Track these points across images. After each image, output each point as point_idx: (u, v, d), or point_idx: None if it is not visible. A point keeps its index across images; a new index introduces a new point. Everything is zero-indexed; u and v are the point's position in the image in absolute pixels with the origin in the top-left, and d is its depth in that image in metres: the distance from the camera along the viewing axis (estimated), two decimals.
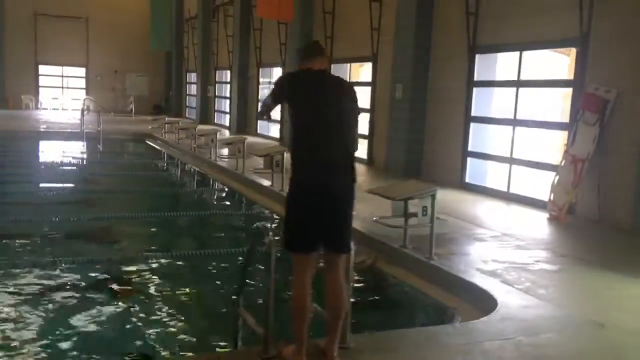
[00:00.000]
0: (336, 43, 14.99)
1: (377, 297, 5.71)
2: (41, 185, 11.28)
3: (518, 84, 9.66)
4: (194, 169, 13.57)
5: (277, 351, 3.50)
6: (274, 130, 18.77)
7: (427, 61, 11.37)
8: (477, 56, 10.35)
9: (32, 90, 30.01)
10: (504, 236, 7.04)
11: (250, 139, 13.79)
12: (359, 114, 3.62)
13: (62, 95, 30.95)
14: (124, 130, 20.16)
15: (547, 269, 5.78)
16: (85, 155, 15.54)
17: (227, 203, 10.98)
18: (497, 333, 4.12)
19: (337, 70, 15.17)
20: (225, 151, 13.82)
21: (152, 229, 8.28)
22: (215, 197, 11.54)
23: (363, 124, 15.89)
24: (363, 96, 13.93)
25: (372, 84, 13.44)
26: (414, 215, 6.05)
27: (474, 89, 10.42)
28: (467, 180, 10.54)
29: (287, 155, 8.91)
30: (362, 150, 14.13)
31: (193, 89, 27.22)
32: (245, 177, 11.14)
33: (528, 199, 9.12)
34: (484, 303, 4.79)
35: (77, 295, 5.28)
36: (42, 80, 30.64)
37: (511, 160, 9.71)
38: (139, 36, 29.69)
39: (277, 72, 19.14)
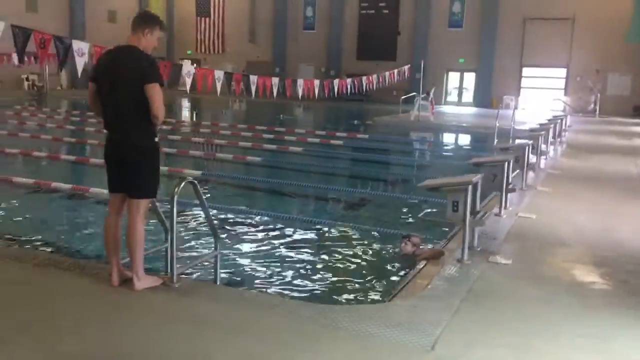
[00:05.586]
0: None
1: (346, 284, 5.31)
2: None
3: None
4: None
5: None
6: None
7: None
8: None
9: (514, 91, 31.91)
10: None
11: None
12: (148, 82, 3.98)
13: (540, 96, 31.74)
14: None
15: None
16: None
17: None
18: None
19: None
20: None
21: None
22: None
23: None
24: None
25: None
26: (477, 212, 5.35)
27: None
28: None
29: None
30: None
31: None
32: None
33: None
34: None
35: None
36: (523, 82, 32.22)
37: None
38: (623, 33, 27.86)
39: None
